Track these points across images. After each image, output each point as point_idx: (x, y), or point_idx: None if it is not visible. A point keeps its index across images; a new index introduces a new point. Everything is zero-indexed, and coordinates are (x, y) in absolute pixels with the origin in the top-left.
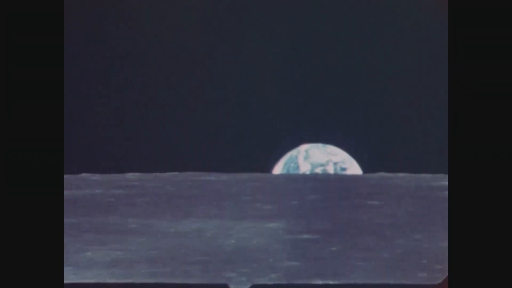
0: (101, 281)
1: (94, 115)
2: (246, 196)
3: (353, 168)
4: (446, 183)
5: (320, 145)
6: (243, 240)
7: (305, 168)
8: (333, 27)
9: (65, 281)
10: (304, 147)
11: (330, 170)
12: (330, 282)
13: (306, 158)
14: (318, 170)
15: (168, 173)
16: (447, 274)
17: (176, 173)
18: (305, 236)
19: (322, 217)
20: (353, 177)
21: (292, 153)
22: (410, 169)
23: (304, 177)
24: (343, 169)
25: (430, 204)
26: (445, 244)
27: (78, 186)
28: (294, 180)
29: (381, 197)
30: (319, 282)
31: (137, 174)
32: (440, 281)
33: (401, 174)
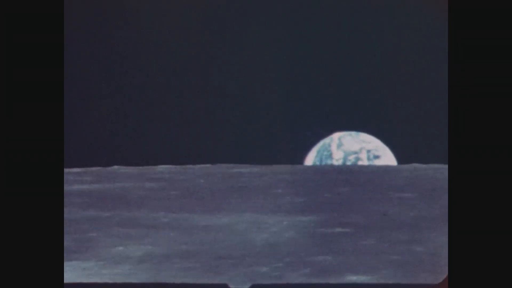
0: (108, 281)
1: (119, 110)
2: (278, 189)
3: (386, 156)
4: None
5: (353, 133)
6: (275, 234)
7: (338, 156)
8: (351, 22)
9: (88, 279)
10: (337, 135)
11: (363, 157)
12: (330, 282)
13: (339, 146)
14: (351, 158)
15: (199, 166)
16: (447, 274)
17: (207, 165)
18: (337, 229)
19: (355, 210)
20: (386, 168)
21: (325, 141)
22: (444, 158)
23: (336, 168)
24: (376, 156)
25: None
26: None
27: (109, 179)
28: (326, 172)
29: (415, 189)
30: (319, 282)
31: (168, 166)
32: (440, 281)
33: (435, 165)
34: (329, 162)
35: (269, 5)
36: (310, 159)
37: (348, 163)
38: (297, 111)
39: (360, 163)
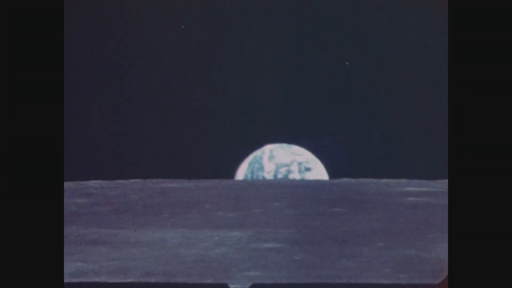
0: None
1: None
2: (209, 204)
3: (318, 168)
4: (411, 188)
5: (284, 145)
6: (206, 250)
7: (269, 168)
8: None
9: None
10: (268, 147)
11: (295, 170)
12: (330, 281)
13: (271, 158)
14: (283, 170)
15: (131, 180)
16: (447, 274)
17: (139, 180)
18: (269, 245)
19: (286, 225)
20: (317, 183)
21: (257, 153)
22: (374, 171)
23: (267, 183)
24: (308, 169)
25: (394, 210)
26: (409, 251)
27: None
28: (257, 186)
29: (345, 203)
30: (320, 281)
31: (100, 181)
32: (440, 281)
33: (363, 180)
34: (260, 174)
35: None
36: (242, 171)
37: (280, 175)
38: (228, 123)
39: (291, 175)
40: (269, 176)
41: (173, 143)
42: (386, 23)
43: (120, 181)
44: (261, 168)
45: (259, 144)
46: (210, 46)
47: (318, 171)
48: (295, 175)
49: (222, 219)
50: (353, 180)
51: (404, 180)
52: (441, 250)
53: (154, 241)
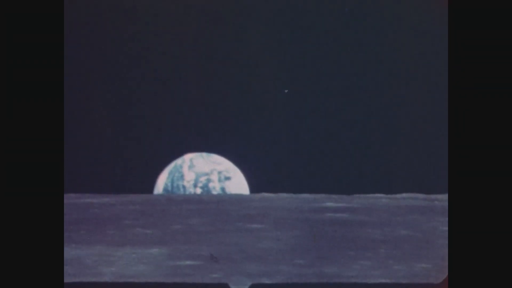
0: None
1: None
2: (127, 220)
3: (237, 176)
4: (329, 203)
5: (204, 154)
6: (124, 267)
7: (190, 177)
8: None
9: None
10: (188, 156)
11: (215, 179)
12: (330, 281)
13: (191, 167)
14: (203, 179)
15: None
16: (447, 274)
17: None
18: (187, 262)
19: (205, 242)
20: (236, 198)
21: (177, 162)
22: (293, 183)
23: (187, 198)
24: (227, 178)
25: (313, 226)
26: (330, 270)
27: None
28: (177, 202)
29: (263, 220)
30: (319, 281)
31: None
32: (440, 281)
33: (283, 195)
34: (180, 183)
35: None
36: (162, 180)
37: (200, 184)
38: (148, 132)
39: (211, 184)
40: (189, 185)
41: (94, 151)
42: (382, 23)
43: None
44: (182, 177)
45: (180, 153)
46: (132, 51)
47: (238, 180)
48: (215, 184)
49: (141, 236)
50: (273, 195)
51: (323, 195)
52: (359, 268)
53: (72, 258)
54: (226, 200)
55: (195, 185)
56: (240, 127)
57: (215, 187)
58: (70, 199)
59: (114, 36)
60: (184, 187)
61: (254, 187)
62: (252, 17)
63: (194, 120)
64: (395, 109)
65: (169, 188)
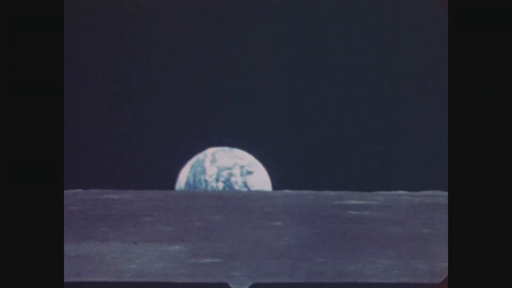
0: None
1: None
2: (148, 217)
3: (259, 171)
4: (351, 201)
5: (226, 148)
6: (145, 265)
7: (211, 171)
8: (246, 24)
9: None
10: (210, 151)
11: (237, 173)
12: (330, 281)
13: (213, 161)
14: (225, 174)
15: (71, 191)
16: (447, 274)
17: (79, 190)
18: (208, 260)
19: (226, 240)
20: (257, 195)
21: (199, 156)
22: (316, 181)
23: (207, 194)
24: (249, 172)
25: (335, 224)
26: (349, 268)
27: None
28: (197, 198)
29: (284, 217)
30: (319, 281)
31: None
32: (440, 281)
33: (305, 192)
34: (202, 178)
35: None
36: (184, 175)
37: (222, 178)
38: (170, 126)
39: (233, 178)
40: (211, 179)
41: (115, 145)
42: (381, 24)
43: None
44: (203, 172)
45: (202, 147)
46: (154, 48)
47: (260, 175)
48: (237, 179)
49: (162, 233)
50: (295, 192)
51: (345, 192)
52: (380, 267)
53: (92, 255)
54: (248, 197)
55: (217, 180)
56: (263, 122)
57: (237, 182)
58: (92, 194)
59: (118, 34)
60: (206, 181)
61: (276, 181)
62: (270, 14)
63: (216, 114)
64: (414, 106)
65: (191, 183)
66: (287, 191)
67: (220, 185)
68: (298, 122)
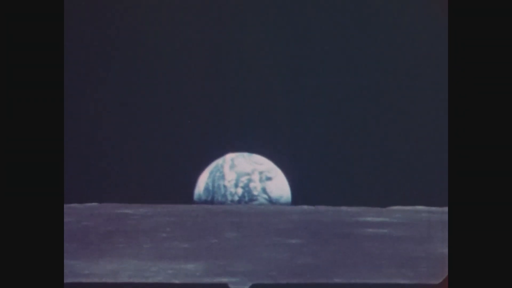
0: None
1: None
2: (164, 232)
3: (278, 177)
4: (369, 218)
5: (245, 154)
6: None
7: (230, 177)
8: (260, 29)
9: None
10: (229, 156)
11: (256, 179)
12: (330, 281)
13: (232, 167)
14: (244, 179)
15: (85, 204)
16: (447, 274)
17: (94, 204)
18: (223, 279)
19: (241, 258)
20: (274, 211)
21: (218, 161)
22: (332, 187)
23: (224, 210)
24: (268, 178)
25: (352, 242)
26: None
27: None
28: (213, 213)
29: (301, 234)
30: (319, 281)
31: None
32: (440, 281)
33: (322, 207)
34: (221, 183)
35: None
36: (203, 180)
37: (241, 184)
38: (189, 132)
39: (252, 184)
40: (230, 184)
41: (133, 152)
42: (382, 24)
43: (75, 205)
44: (222, 177)
45: (221, 153)
46: (167, 53)
47: (279, 181)
48: (256, 184)
49: (177, 250)
50: (312, 207)
51: (363, 208)
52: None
53: (107, 273)
54: (264, 213)
55: (236, 185)
56: (282, 128)
57: (256, 187)
58: (106, 209)
59: (128, 37)
60: (225, 187)
61: (295, 188)
62: (280, 17)
63: (236, 120)
64: (435, 120)
65: (210, 188)
66: (304, 207)
67: (239, 191)
68: (317, 128)
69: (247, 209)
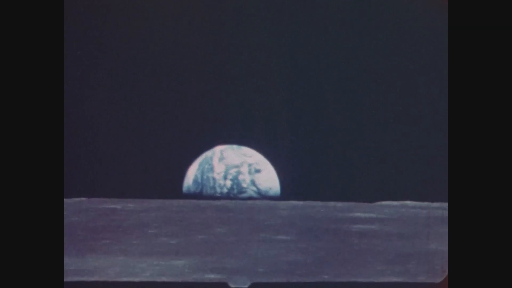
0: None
1: None
2: (152, 228)
3: (268, 170)
4: (358, 214)
5: (235, 146)
6: (148, 279)
7: (219, 169)
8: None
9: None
10: (219, 148)
11: (245, 171)
12: (330, 280)
13: (221, 159)
14: (233, 172)
15: (73, 199)
16: (447, 273)
17: (83, 199)
18: (211, 275)
19: (230, 254)
20: (263, 206)
21: (207, 154)
22: (321, 181)
23: (212, 205)
24: (258, 170)
25: (341, 238)
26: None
27: None
28: (202, 208)
29: (290, 230)
30: (320, 280)
31: None
32: (440, 280)
33: (312, 203)
34: (210, 175)
35: None
36: (192, 172)
37: (230, 176)
38: (178, 123)
39: (241, 177)
40: (219, 177)
41: (122, 143)
42: (381, 24)
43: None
44: (212, 169)
45: (210, 145)
46: (159, 47)
47: (268, 173)
48: (245, 177)
49: (165, 246)
50: (301, 203)
51: (352, 204)
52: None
53: (94, 269)
54: (253, 208)
55: (225, 177)
56: (272, 120)
57: (245, 180)
58: (94, 204)
59: (120, 33)
60: (214, 179)
61: (284, 181)
62: (280, 12)
63: (225, 112)
64: (424, 115)
65: (199, 180)
66: (293, 202)
67: (228, 183)
68: (307, 121)
69: (235, 205)
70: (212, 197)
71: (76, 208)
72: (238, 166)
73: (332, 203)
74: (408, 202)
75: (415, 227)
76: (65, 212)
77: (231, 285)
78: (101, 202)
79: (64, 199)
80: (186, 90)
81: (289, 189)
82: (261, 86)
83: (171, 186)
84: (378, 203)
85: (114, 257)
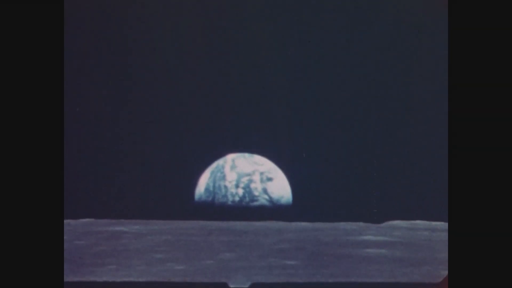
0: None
1: None
2: (158, 253)
3: (279, 178)
4: (367, 236)
5: (246, 154)
6: None
7: (231, 177)
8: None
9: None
10: (230, 157)
11: (257, 179)
12: (331, 281)
13: (233, 167)
14: (245, 180)
15: (79, 220)
16: (447, 273)
17: (90, 219)
18: None
19: (236, 281)
20: (272, 228)
21: (219, 162)
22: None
23: (220, 227)
24: (269, 179)
25: (350, 264)
26: None
27: None
28: (209, 231)
29: (298, 255)
30: (320, 280)
31: None
32: (440, 280)
33: (319, 224)
34: (222, 184)
35: None
36: (204, 180)
37: (241, 184)
38: (191, 132)
39: (253, 185)
40: (230, 185)
41: (135, 154)
42: (381, 24)
43: (69, 220)
44: (223, 178)
45: (222, 153)
46: (165, 56)
47: (280, 181)
48: (257, 185)
49: (172, 272)
50: (309, 224)
51: (361, 224)
52: None
53: None
54: (261, 231)
55: (236, 186)
56: (283, 129)
57: (257, 188)
58: (101, 226)
59: (126, 38)
60: (226, 187)
61: (296, 189)
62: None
63: (237, 120)
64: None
65: (211, 188)
66: (302, 223)
67: (240, 191)
68: (315, 130)
69: (244, 226)
70: (224, 205)
71: (82, 231)
72: (250, 175)
73: (341, 224)
74: (420, 222)
75: (426, 252)
76: (71, 235)
77: (231, 285)
78: (108, 224)
79: (70, 220)
80: (198, 100)
81: (300, 197)
82: (273, 96)
83: (183, 194)
84: (388, 222)
85: (119, 284)
